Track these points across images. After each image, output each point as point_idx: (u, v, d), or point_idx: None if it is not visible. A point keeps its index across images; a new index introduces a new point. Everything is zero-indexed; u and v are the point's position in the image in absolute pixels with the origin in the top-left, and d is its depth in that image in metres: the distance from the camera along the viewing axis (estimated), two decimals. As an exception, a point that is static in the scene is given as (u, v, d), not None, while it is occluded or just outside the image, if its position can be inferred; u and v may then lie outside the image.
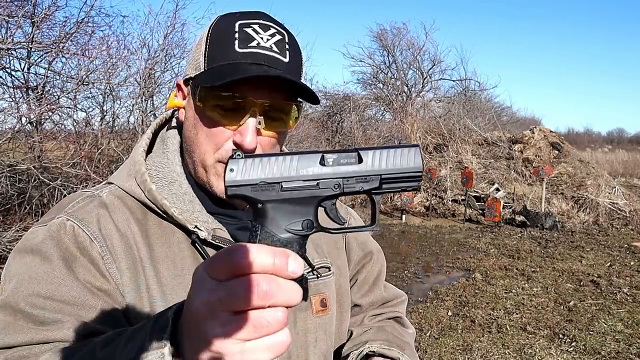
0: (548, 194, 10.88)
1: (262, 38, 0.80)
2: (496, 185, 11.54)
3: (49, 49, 6.12)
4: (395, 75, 19.25)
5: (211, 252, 0.84)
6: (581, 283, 6.13)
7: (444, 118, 15.84)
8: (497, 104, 22.66)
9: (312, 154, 0.59)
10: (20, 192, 5.94)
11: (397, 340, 1.05)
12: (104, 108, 7.76)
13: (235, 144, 0.80)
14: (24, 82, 6.41)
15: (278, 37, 0.82)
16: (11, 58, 6.14)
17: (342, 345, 1.07)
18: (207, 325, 0.46)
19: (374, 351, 1.00)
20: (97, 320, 0.73)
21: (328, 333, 0.98)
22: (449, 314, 5.08)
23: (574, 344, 4.38)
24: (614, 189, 11.21)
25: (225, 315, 0.45)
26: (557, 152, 12.98)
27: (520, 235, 9.10)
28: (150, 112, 7.51)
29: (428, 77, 18.73)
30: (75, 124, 7.21)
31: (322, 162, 0.58)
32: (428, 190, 11.45)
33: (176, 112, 0.94)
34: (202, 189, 0.88)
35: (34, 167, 5.52)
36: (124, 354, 0.56)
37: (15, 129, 5.73)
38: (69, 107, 6.96)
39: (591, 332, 4.62)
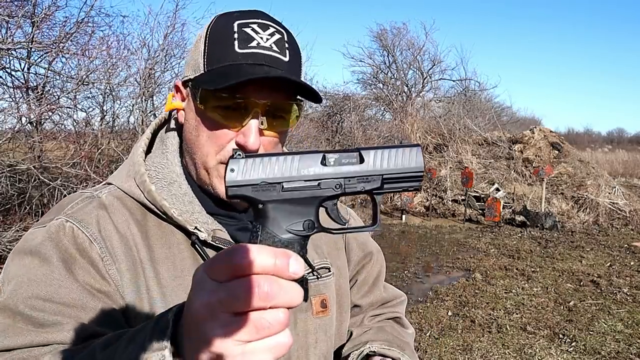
0: (548, 194, 10.88)
1: (261, 38, 0.80)
2: (496, 185, 11.54)
3: (49, 49, 6.12)
4: (395, 75, 19.26)
5: (211, 253, 0.83)
6: (581, 283, 6.13)
7: (444, 118, 15.84)
8: (497, 104, 22.69)
9: (313, 153, 0.58)
10: (20, 192, 5.94)
11: (397, 340, 1.05)
12: (104, 108, 7.77)
13: (238, 144, 0.79)
14: (24, 82, 6.41)
15: (277, 36, 0.82)
16: (11, 58, 6.15)
17: (342, 346, 1.07)
18: (207, 327, 0.46)
19: (374, 351, 1.00)
20: (97, 322, 0.72)
21: (328, 334, 0.98)
22: (449, 314, 5.08)
23: (574, 344, 4.38)
24: (614, 189, 11.21)
25: (225, 316, 0.45)
26: (557, 152, 12.98)
27: (520, 235, 9.10)
28: (150, 112, 7.51)
29: (428, 77, 18.75)
30: (75, 124, 7.21)
31: (324, 162, 0.58)
32: (428, 190, 11.45)
33: (174, 114, 0.94)
34: (202, 190, 0.88)
35: (34, 167, 5.52)
36: (125, 356, 0.55)
37: (15, 129, 5.73)
38: (69, 107, 6.96)
39: (591, 332, 4.62)
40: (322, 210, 0.60)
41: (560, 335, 4.55)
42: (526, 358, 4.13)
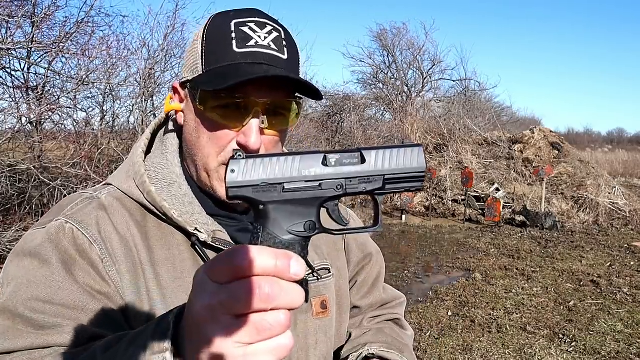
0: (548, 194, 10.88)
1: (259, 36, 0.79)
2: (496, 185, 11.54)
3: (49, 49, 6.12)
4: (395, 75, 19.26)
5: (211, 254, 0.83)
6: (581, 283, 6.12)
7: (444, 118, 15.83)
8: (497, 104, 22.69)
9: (314, 154, 0.58)
10: (20, 192, 5.94)
11: (396, 342, 1.05)
12: (104, 108, 7.76)
13: (239, 145, 0.79)
14: (24, 82, 6.40)
15: (275, 34, 0.81)
16: (11, 58, 6.14)
17: (341, 347, 1.07)
18: (208, 329, 0.46)
19: (373, 354, 1.00)
20: (98, 324, 0.72)
21: (328, 335, 0.97)
22: (449, 314, 5.08)
23: (574, 344, 4.37)
24: (614, 189, 11.21)
25: (226, 318, 0.45)
26: (557, 152, 12.98)
27: (520, 235, 9.10)
28: (150, 112, 7.50)
29: (428, 77, 18.76)
30: (75, 124, 7.20)
31: (325, 163, 0.58)
32: (428, 190, 11.44)
33: (172, 115, 0.93)
34: (202, 191, 0.88)
35: (34, 167, 5.51)
36: (126, 358, 0.55)
37: (15, 129, 5.72)
38: (69, 107, 6.95)
39: (591, 332, 4.61)
40: (322, 210, 0.59)
41: (560, 335, 4.55)
42: (526, 358, 4.12)
